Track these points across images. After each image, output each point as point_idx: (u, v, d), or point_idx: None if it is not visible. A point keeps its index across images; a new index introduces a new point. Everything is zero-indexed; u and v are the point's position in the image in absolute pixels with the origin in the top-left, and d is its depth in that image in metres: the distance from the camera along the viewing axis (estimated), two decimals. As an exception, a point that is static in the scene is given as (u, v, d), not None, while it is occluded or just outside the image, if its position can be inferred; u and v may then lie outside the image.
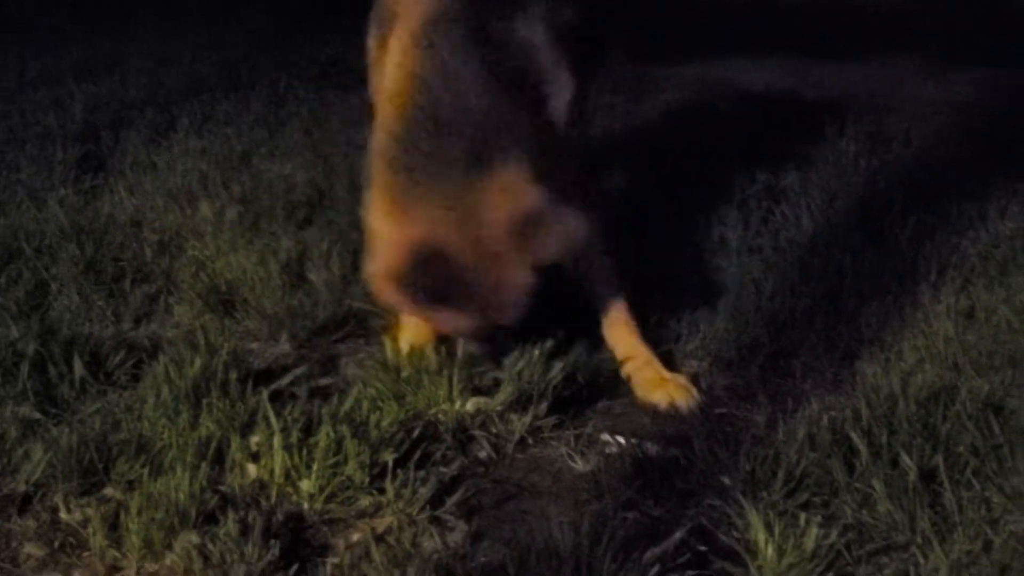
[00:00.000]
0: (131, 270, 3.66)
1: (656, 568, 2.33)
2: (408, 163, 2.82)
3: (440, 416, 2.87)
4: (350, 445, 2.63)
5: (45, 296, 3.51)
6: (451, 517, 2.57)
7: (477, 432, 2.86)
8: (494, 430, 2.87)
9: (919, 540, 2.44)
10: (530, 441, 2.86)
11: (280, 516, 2.53)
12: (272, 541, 2.42)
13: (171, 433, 2.74)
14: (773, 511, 2.48)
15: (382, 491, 2.59)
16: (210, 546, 2.39)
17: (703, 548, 2.45)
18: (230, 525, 2.43)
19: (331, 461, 2.62)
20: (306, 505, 2.58)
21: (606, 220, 3.17)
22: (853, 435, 2.69)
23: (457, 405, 2.90)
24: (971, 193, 4.13)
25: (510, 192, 2.78)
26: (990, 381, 2.93)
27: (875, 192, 4.21)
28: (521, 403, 2.90)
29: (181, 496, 2.50)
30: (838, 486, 2.59)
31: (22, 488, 2.62)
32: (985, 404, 2.81)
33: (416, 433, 2.77)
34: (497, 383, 2.94)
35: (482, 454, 2.82)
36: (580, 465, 2.79)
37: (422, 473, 2.66)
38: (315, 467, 2.61)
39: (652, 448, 2.81)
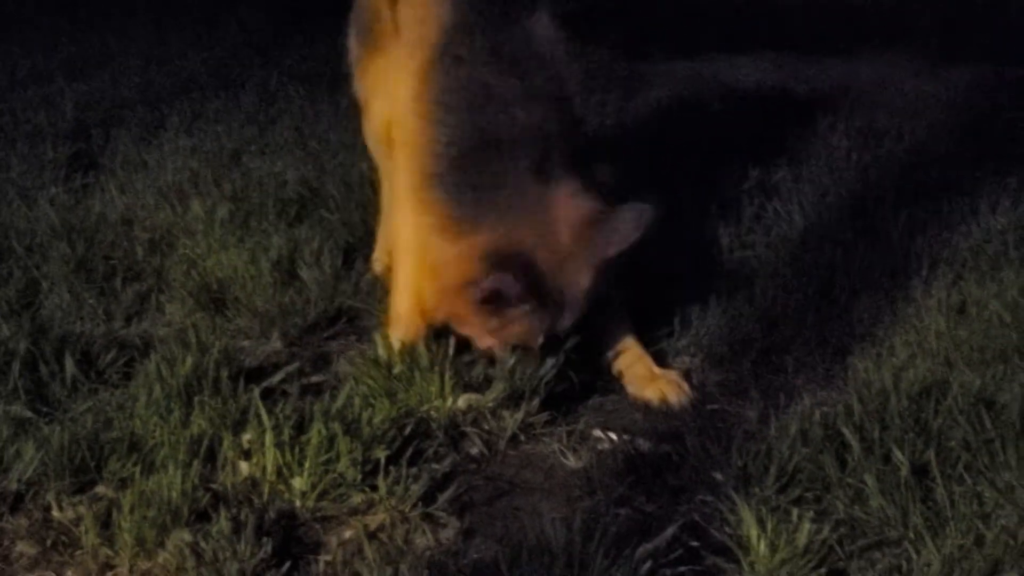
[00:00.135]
0: (122, 268, 3.65)
1: (648, 564, 2.34)
2: (465, 181, 2.83)
3: (432, 413, 2.87)
4: (342, 442, 2.63)
5: (36, 295, 3.50)
6: (443, 514, 2.57)
7: (469, 429, 2.86)
8: (486, 427, 2.87)
9: (911, 535, 2.45)
10: (522, 438, 2.86)
11: (272, 514, 2.53)
12: (264, 539, 2.42)
13: (163, 431, 2.74)
14: (765, 507, 2.48)
15: (374, 488, 2.59)
16: (202, 544, 2.39)
17: (695, 544, 2.45)
18: (222, 523, 2.43)
19: (323, 458, 2.62)
20: (298, 503, 2.58)
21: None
22: (845, 430, 2.69)
23: (449, 402, 2.89)
24: (963, 189, 4.13)
25: (575, 195, 2.82)
26: (982, 376, 2.93)
27: (867, 188, 4.21)
28: (513, 400, 2.90)
29: (173, 494, 2.49)
30: (830, 481, 2.59)
31: (14, 487, 2.62)
32: (977, 399, 2.81)
33: (408, 430, 2.77)
34: (489, 380, 2.94)
35: (474, 451, 2.82)
36: (572, 461, 2.79)
37: (414, 470, 2.66)
38: (307, 464, 2.61)
39: (644, 444, 2.81)
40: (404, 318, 3.08)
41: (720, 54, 5.99)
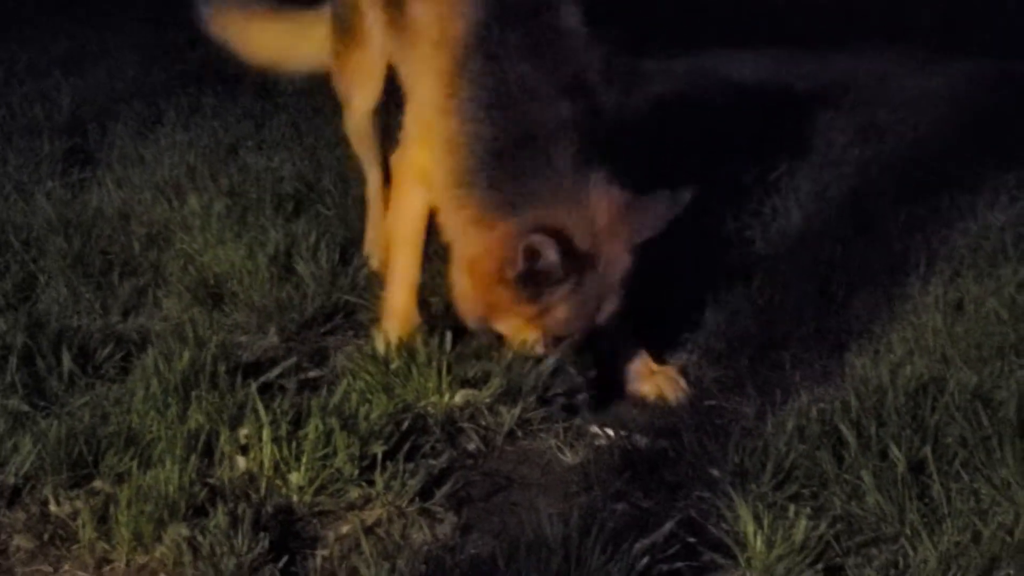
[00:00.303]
0: (119, 263, 3.64)
1: (645, 560, 2.33)
2: (503, 173, 2.83)
3: (429, 408, 2.87)
4: (339, 437, 2.63)
5: (33, 289, 3.50)
6: (440, 509, 2.57)
7: (466, 424, 2.86)
8: (483, 422, 2.87)
9: (908, 532, 2.45)
10: (519, 433, 2.86)
11: (269, 508, 2.53)
12: (262, 533, 2.42)
13: (160, 426, 2.73)
14: (762, 503, 2.48)
15: (371, 483, 2.59)
16: (199, 538, 2.39)
17: (692, 540, 2.45)
18: (219, 517, 2.43)
19: (320, 453, 2.62)
20: (295, 497, 2.58)
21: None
22: (842, 427, 2.69)
23: (446, 397, 2.90)
24: (961, 185, 4.13)
25: (609, 183, 2.84)
26: (979, 373, 2.94)
27: (866, 184, 4.21)
28: (510, 395, 2.90)
29: (170, 489, 2.49)
30: (827, 478, 2.60)
31: (11, 481, 2.61)
32: (974, 395, 2.81)
33: (405, 425, 2.77)
34: (486, 375, 2.94)
35: (471, 446, 2.82)
36: (569, 457, 2.79)
37: (411, 465, 2.65)
38: (304, 459, 2.61)
39: (641, 440, 2.81)
40: (399, 312, 3.08)
41: (720, 50, 5.98)
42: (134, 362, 3.06)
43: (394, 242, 3.15)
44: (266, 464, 2.63)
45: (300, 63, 3.80)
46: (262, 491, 2.59)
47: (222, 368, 2.93)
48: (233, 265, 3.52)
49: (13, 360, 2.97)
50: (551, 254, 2.73)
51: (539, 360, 2.94)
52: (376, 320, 3.18)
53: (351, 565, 2.40)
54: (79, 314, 3.34)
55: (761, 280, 3.43)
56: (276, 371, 3.03)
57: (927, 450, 2.62)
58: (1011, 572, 2.35)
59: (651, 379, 3.02)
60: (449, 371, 2.92)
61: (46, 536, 2.49)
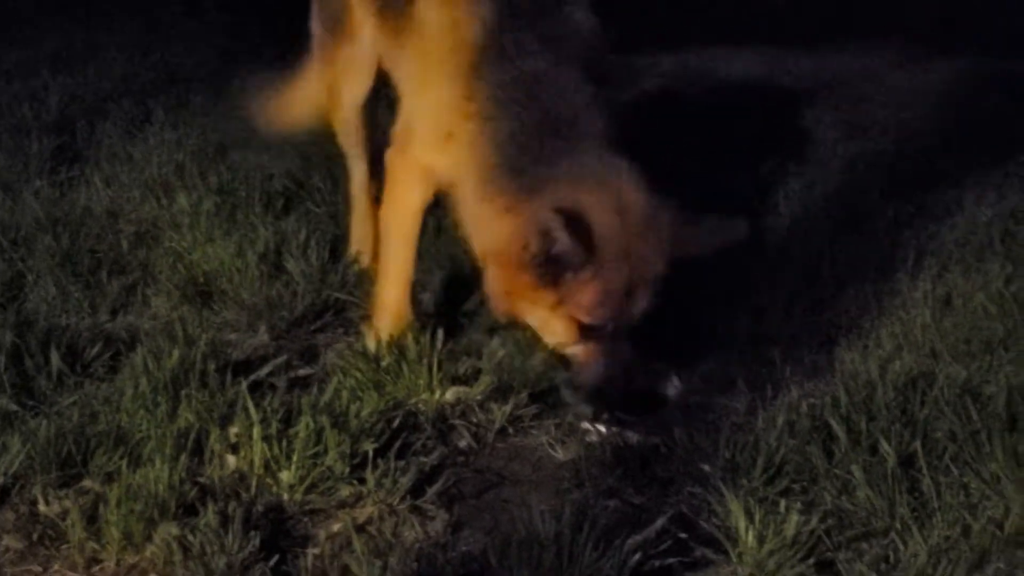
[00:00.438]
0: (108, 262, 3.63)
1: (637, 555, 2.34)
2: (527, 162, 2.80)
3: (420, 406, 2.88)
4: (330, 435, 2.63)
5: (21, 288, 3.49)
6: (432, 507, 2.57)
7: (457, 421, 2.86)
8: (474, 419, 2.87)
9: (898, 526, 2.46)
10: (510, 430, 2.87)
11: (260, 507, 2.53)
12: (252, 532, 2.42)
13: (150, 425, 2.73)
14: (753, 498, 2.49)
15: (362, 481, 2.59)
16: (190, 537, 2.39)
17: (684, 535, 2.46)
18: (210, 516, 2.43)
19: (311, 452, 2.62)
20: (286, 496, 2.58)
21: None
22: (832, 421, 2.70)
23: (437, 394, 2.90)
24: (948, 181, 4.14)
25: (647, 188, 2.79)
26: (967, 367, 2.95)
27: (853, 180, 4.22)
28: (501, 392, 2.90)
29: (160, 488, 2.49)
30: (817, 472, 2.60)
31: (0, 481, 2.61)
32: (962, 390, 2.83)
33: (396, 423, 2.77)
34: (477, 372, 2.94)
35: (462, 443, 2.82)
36: (561, 454, 2.80)
37: (402, 463, 2.66)
38: (295, 458, 2.61)
39: (632, 436, 2.81)
40: (392, 308, 3.07)
41: (707, 48, 5.98)
42: (123, 361, 3.06)
43: (388, 238, 3.13)
44: (256, 462, 2.63)
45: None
46: (252, 490, 2.59)
47: (212, 366, 2.93)
48: (223, 263, 3.51)
49: (1, 359, 2.96)
50: (560, 233, 2.66)
51: (529, 357, 2.94)
52: (366, 317, 3.18)
53: (342, 563, 2.40)
54: (67, 313, 3.33)
55: (750, 276, 3.44)
56: (266, 369, 3.02)
57: (917, 444, 2.63)
58: (1000, 566, 2.37)
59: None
60: (440, 368, 2.92)
61: (35, 536, 2.49)
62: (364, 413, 2.75)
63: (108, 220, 3.92)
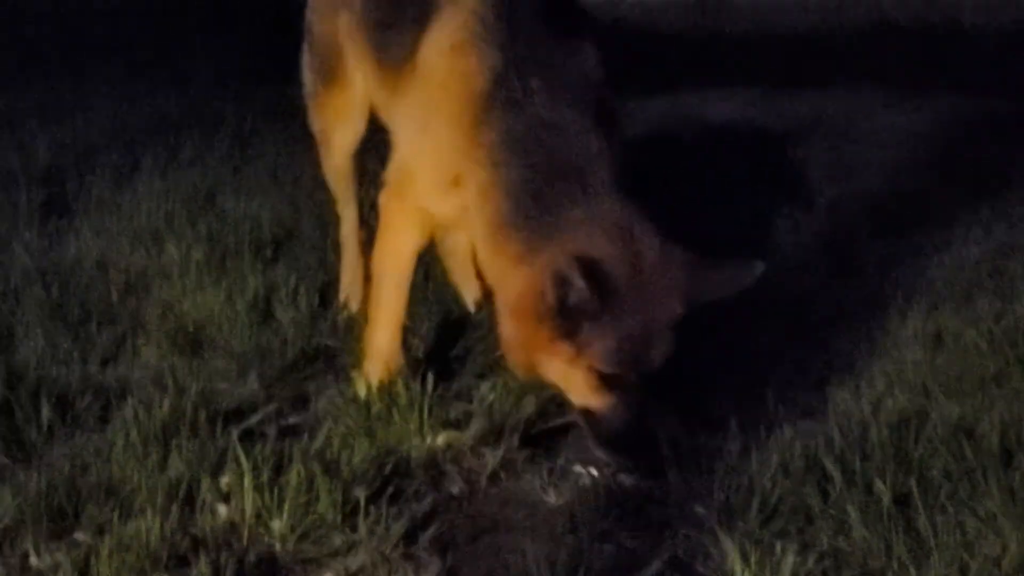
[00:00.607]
0: (97, 312, 3.62)
1: (633, 600, 2.33)
2: (539, 210, 2.76)
3: (412, 452, 2.86)
4: (321, 483, 2.61)
5: (11, 340, 3.47)
6: (425, 554, 2.55)
7: (449, 467, 2.85)
8: (466, 464, 2.86)
9: (895, 566, 2.44)
10: (502, 475, 2.85)
11: (252, 557, 2.51)
12: (245, 582, 2.40)
13: (141, 475, 2.71)
14: (749, 540, 2.48)
15: (355, 529, 2.57)
16: (182, 589, 2.37)
17: (680, 579, 2.45)
18: (202, 567, 2.42)
19: (303, 500, 2.60)
20: (278, 545, 2.56)
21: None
22: (826, 462, 2.70)
23: (428, 440, 2.88)
24: (936, 219, 4.17)
25: (661, 234, 2.75)
26: (960, 405, 2.95)
27: (841, 219, 4.24)
28: (493, 437, 2.89)
29: (152, 539, 2.47)
30: (813, 513, 2.59)
31: (-9, 533, 2.59)
32: (956, 428, 2.82)
33: (388, 469, 2.76)
34: (468, 417, 2.93)
35: (455, 489, 2.80)
36: (554, 498, 2.78)
37: (395, 510, 2.64)
38: (287, 506, 2.59)
39: (626, 479, 2.80)
40: (383, 354, 3.06)
41: (693, 90, 6.03)
42: (114, 411, 3.04)
43: (381, 282, 3.11)
44: (248, 512, 2.61)
45: None
46: (244, 539, 2.57)
47: (202, 416, 2.92)
48: (212, 312, 3.51)
49: (-9, 411, 2.95)
50: (578, 280, 2.61)
51: (521, 401, 2.94)
52: (356, 365, 3.17)
53: (336, 612, 2.39)
54: (57, 364, 3.31)
55: (741, 317, 3.44)
56: (257, 417, 3.01)
57: (912, 483, 2.63)
58: (999, 604, 2.35)
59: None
60: (431, 413, 2.91)
61: (27, 589, 2.47)
62: (355, 460, 2.74)
63: (97, 270, 3.91)
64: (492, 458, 2.85)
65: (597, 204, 2.75)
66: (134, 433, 2.83)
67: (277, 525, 2.57)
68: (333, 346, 3.39)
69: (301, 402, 3.19)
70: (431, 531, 2.61)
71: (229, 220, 4.23)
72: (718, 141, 5.23)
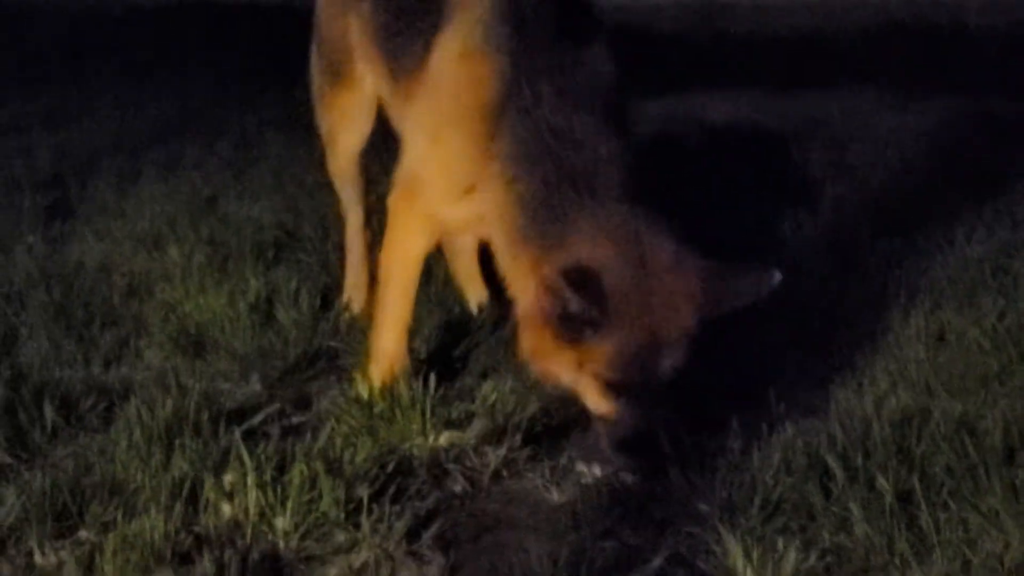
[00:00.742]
0: (100, 315, 3.63)
1: (636, 596, 2.33)
2: (549, 217, 2.74)
3: (414, 450, 2.87)
4: (324, 481, 2.61)
5: (15, 342, 3.49)
6: (428, 551, 2.55)
7: (451, 466, 2.85)
8: (469, 463, 2.86)
9: (897, 562, 2.44)
10: (505, 474, 2.85)
11: (256, 555, 2.51)
12: (248, 579, 2.40)
13: (144, 475, 2.72)
14: (751, 537, 2.48)
15: (358, 527, 2.57)
16: (186, 586, 2.38)
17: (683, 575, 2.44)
18: (206, 564, 2.42)
19: (306, 498, 2.60)
20: (282, 543, 2.56)
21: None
22: (829, 459, 2.69)
23: (431, 439, 2.89)
24: (937, 219, 4.16)
25: (673, 240, 2.73)
26: (963, 402, 2.94)
27: (842, 219, 4.24)
28: (495, 436, 2.89)
29: (156, 537, 2.48)
30: (815, 510, 2.59)
31: (-4, 533, 2.60)
32: (958, 425, 2.82)
33: (390, 468, 2.76)
34: (471, 416, 2.94)
35: (457, 488, 2.80)
36: (556, 496, 2.78)
37: (397, 508, 2.64)
38: (290, 504, 2.59)
39: (628, 477, 2.80)
40: (389, 355, 3.06)
41: (693, 92, 6.03)
42: (117, 412, 3.04)
43: (388, 284, 3.10)
44: (251, 510, 2.61)
45: None
46: (248, 537, 2.57)
47: (205, 416, 2.92)
48: (214, 314, 3.52)
49: (-4, 413, 2.95)
50: (568, 294, 2.60)
51: (523, 400, 2.94)
52: (359, 365, 3.17)
53: (340, 609, 2.39)
54: (61, 366, 3.32)
55: (743, 316, 3.43)
56: (259, 417, 3.02)
57: (914, 480, 2.62)
58: (1001, 600, 2.35)
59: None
60: (433, 413, 2.92)
61: (32, 587, 2.47)
62: (358, 459, 2.74)
63: (100, 274, 3.93)
64: (494, 457, 2.86)
65: (604, 211, 2.73)
66: (137, 433, 2.84)
67: (280, 523, 2.58)
68: (335, 347, 3.40)
69: (303, 402, 3.20)
70: (434, 529, 2.61)
71: (231, 223, 4.24)
72: (721, 142, 5.24)
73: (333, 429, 2.89)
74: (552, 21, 2.90)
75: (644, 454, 2.75)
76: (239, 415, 3.03)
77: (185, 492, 2.66)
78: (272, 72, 6.52)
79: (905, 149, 5.08)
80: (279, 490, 2.62)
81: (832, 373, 3.21)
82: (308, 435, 2.91)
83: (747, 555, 2.42)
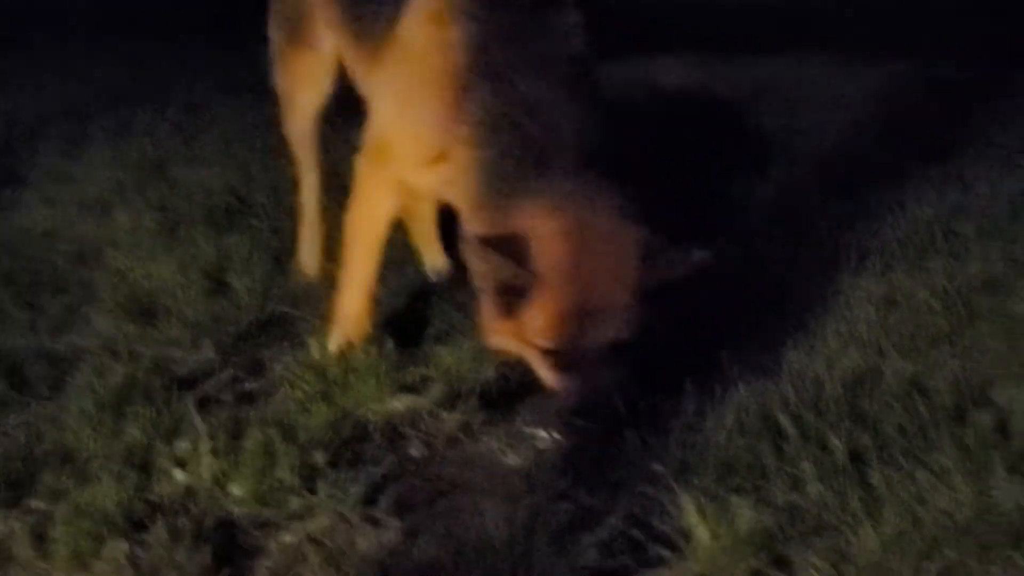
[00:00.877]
0: (48, 282, 3.59)
1: (591, 555, 2.34)
2: (510, 189, 2.71)
3: (370, 415, 2.86)
4: (279, 447, 2.61)
5: (-40, 310, 3.44)
6: (384, 515, 2.55)
7: (408, 430, 2.85)
8: (424, 428, 2.86)
9: (850, 519, 2.47)
10: (461, 437, 2.85)
11: (210, 521, 2.50)
12: (203, 546, 2.39)
13: (96, 443, 2.70)
14: (705, 496, 2.50)
15: (314, 492, 2.57)
16: (140, 553, 2.36)
17: (637, 535, 2.46)
18: (160, 531, 2.41)
19: (260, 464, 2.59)
20: (236, 509, 2.55)
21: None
22: (781, 418, 2.72)
23: (386, 404, 2.88)
24: (887, 182, 4.19)
25: (622, 212, 2.72)
26: (913, 362, 2.98)
27: (793, 182, 4.25)
28: (451, 400, 2.89)
29: (109, 505, 2.47)
30: (768, 469, 2.61)
31: (-56, 503, 2.57)
32: (909, 384, 2.86)
33: (346, 433, 2.76)
34: (426, 381, 2.93)
35: (413, 452, 2.80)
36: (512, 460, 2.79)
37: (353, 473, 2.64)
38: (244, 471, 2.58)
39: (583, 440, 2.80)
40: (353, 317, 3.04)
41: (640, 57, 6.01)
42: (67, 380, 3.01)
43: (354, 246, 3.06)
44: (205, 477, 2.60)
45: None
46: (202, 504, 2.56)
47: (157, 383, 2.90)
48: (165, 280, 3.48)
49: (-58, 382, 2.92)
50: (478, 260, 2.62)
51: (479, 365, 2.94)
52: (314, 331, 3.15)
53: (296, 573, 2.39)
54: (8, 334, 3.28)
55: (695, 279, 3.45)
56: (212, 384, 3.00)
57: (866, 439, 2.66)
58: (951, 555, 2.38)
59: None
60: (389, 377, 2.91)
61: (-18, 557, 2.45)
62: (313, 424, 2.74)
63: (48, 240, 3.87)
64: (451, 421, 2.86)
65: (553, 182, 2.71)
66: (88, 401, 2.82)
67: (235, 489, 2.57)
68: (288, 312, 3.38)
69: (257, 368, 3.17)
70: (390, 493, 2.61)
71: (181, 189, 4.20)
72: (671, 106, 5.24)
73: (287, 395, 2.88)
74: None
75: (591, 422, 2.73)
76: (192, 382, 3.01)
77: (138, 460, 2.65)
78: (224, 36, 6.46)
79: (856, 113, 5.10)
80: (233, 457, 2.61)
81: (784, 335, 3.23)
82: (262, 401, 2.90)
83: (701, 514, 2.44)
